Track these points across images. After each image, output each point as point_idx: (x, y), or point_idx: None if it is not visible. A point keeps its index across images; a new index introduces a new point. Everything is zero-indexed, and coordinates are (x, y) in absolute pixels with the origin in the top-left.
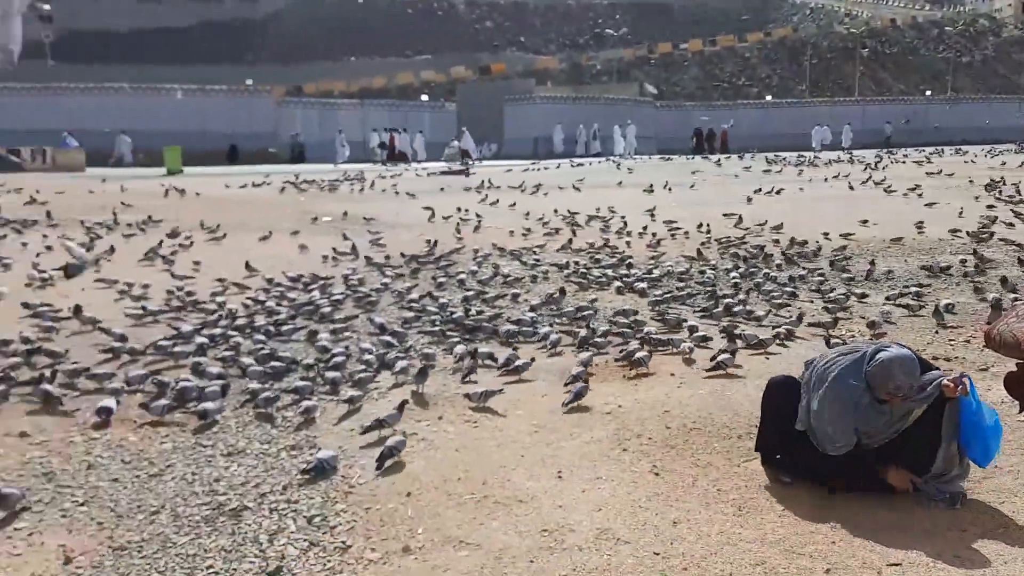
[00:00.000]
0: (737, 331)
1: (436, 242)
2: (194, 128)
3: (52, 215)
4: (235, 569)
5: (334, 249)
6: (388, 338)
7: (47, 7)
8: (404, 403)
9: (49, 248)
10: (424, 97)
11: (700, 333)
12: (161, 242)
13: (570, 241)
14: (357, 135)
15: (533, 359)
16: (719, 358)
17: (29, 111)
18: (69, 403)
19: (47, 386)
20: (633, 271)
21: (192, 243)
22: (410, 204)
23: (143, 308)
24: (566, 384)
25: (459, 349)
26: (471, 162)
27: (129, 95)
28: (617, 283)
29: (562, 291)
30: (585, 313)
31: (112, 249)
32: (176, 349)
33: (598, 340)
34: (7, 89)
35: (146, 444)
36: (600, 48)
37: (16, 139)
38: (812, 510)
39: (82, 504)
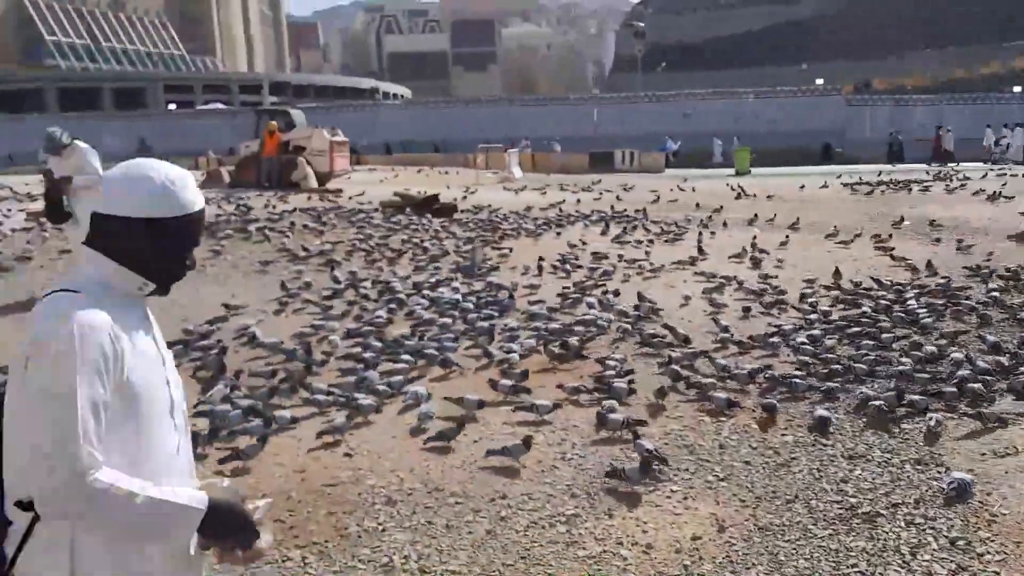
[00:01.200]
0: None
1: None
2: (763, 129)
3: (647, 213)
4: (880, 574)
5: (891, 257)
6: (1001, 359)
7: (641, 24)
8: None
9: (651, 242)
10: (1016, 88)
11: None
12: (755, 240)
13: None
14: (929, 131)
15: None
16: None
17: (621, 118)
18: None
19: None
20: None
21: (786, 243)
22: (1006, 207)
23: (744, 308)
24: None
25: None
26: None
27: (706, 100)
28: None
29: None
30: None
31: (702, 251)
32: (782, 346)
33: None
34: (601, 99)
35: (768, 434)
36: None
37: (610, 143)
38: None
39: (722, 480)
